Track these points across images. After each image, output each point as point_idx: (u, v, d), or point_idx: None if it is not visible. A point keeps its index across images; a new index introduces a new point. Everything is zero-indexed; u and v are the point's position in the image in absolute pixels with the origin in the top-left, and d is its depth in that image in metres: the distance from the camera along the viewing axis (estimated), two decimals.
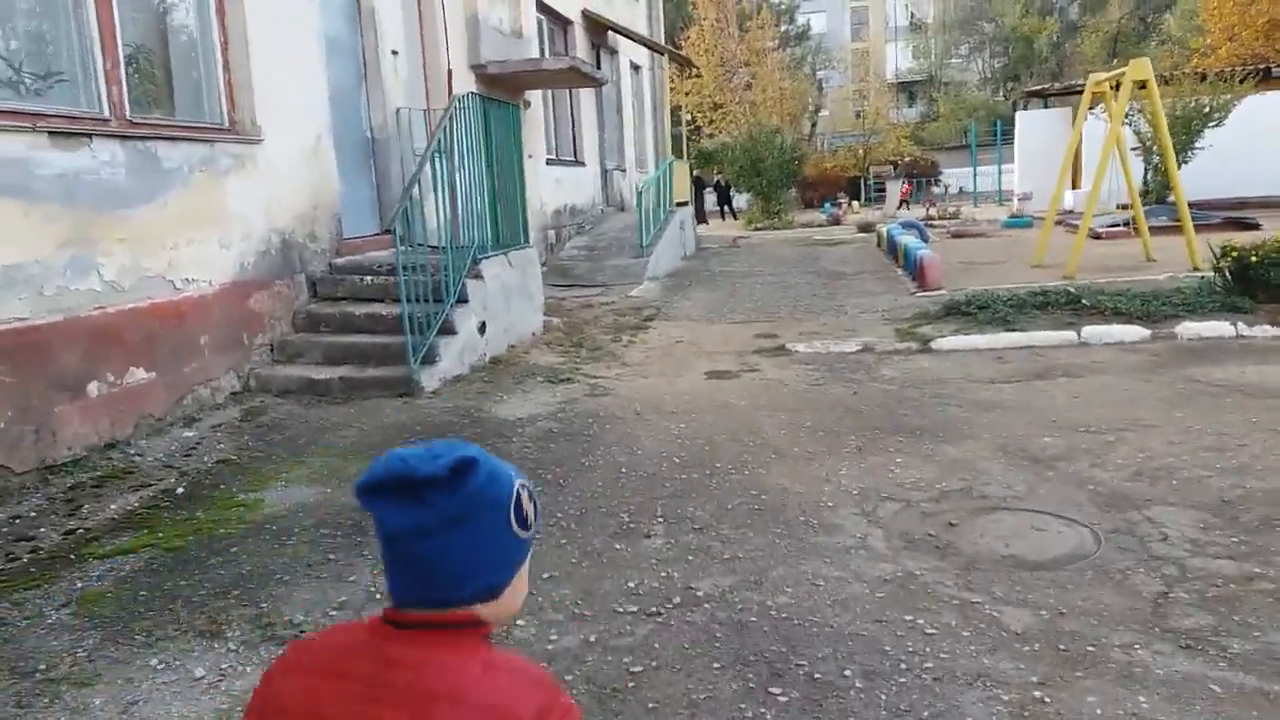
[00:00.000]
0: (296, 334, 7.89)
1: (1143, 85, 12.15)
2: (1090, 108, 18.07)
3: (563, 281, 14.20)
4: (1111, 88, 13.24)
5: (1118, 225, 17.01)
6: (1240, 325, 8.08)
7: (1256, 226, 16.98)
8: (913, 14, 63.76)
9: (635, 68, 22.62)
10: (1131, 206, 13.62)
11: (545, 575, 3.94)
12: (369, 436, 6.12)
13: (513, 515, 1.21)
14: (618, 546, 4.23)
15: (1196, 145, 20.46)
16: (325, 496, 5.05)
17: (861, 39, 66.78)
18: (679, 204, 18.54)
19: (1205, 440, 5.41)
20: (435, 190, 8.09)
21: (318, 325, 7.95)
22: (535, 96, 14.92)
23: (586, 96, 18.37)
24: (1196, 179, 20.75)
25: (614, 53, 20.54)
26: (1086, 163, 23.04)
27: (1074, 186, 26.01)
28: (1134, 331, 8.22)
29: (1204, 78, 21.09)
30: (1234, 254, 8.57)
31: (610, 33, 19.10)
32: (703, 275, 15.23)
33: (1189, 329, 8.13)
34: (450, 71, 11.19)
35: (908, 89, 61.77)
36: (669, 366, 8.27)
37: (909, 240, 14.33)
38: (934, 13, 61.00)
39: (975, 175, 35.41)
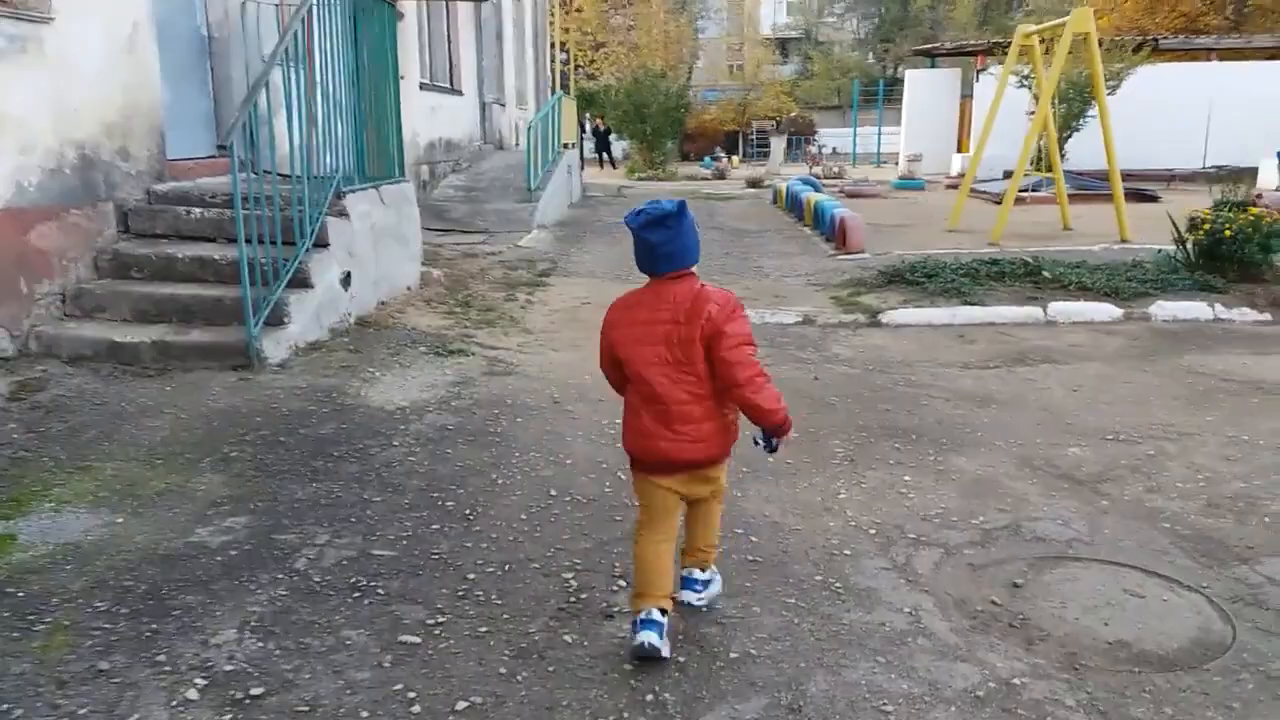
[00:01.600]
0: (98, 281, 6.02)
1: (1084, 38, 11.32)
2: (979, 71, 17.41)
3: (438, 225, 12.43)
4: (1042, 42, 12.39)
5: (1028, 190, 16.41)
6: (1218, 307, 7.26)
7: (1156, 199, 16.79)
8: None
9: None
10: (1052, 172, 12.89)
11: (461, 706, 2.49)
12: (187, 429, 4.46)
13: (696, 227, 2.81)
14: (566, 638, 2.81)
15: (1088, 114, 20.18)
16: (114, 533, 3.42)
17: None
18: (566, 145, 16.92)
19: (1265, 458, 4.41)
20: (289, 107, 6.30)
21: (127, 270, 6.09)
22: (408, 9, 12.95)
23: (465, 18, 16.43)
24: (1084, 149, 20.62)
25: None
26: (982, 123, 22.70)
27: (960, 150, 25.74)
28: (1105, 310, 7.30)
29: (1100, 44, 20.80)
30: (1205, 227, 7.75)
31: None
32: (595, 225, 13.74)
33: (1164, 309, 7.26)
34: None
35: (782, 45, 61.14)
36: (581, 336, 6.83)
37: (822, 198, 13.23)
38: None
39: (855, 135, 34.95)
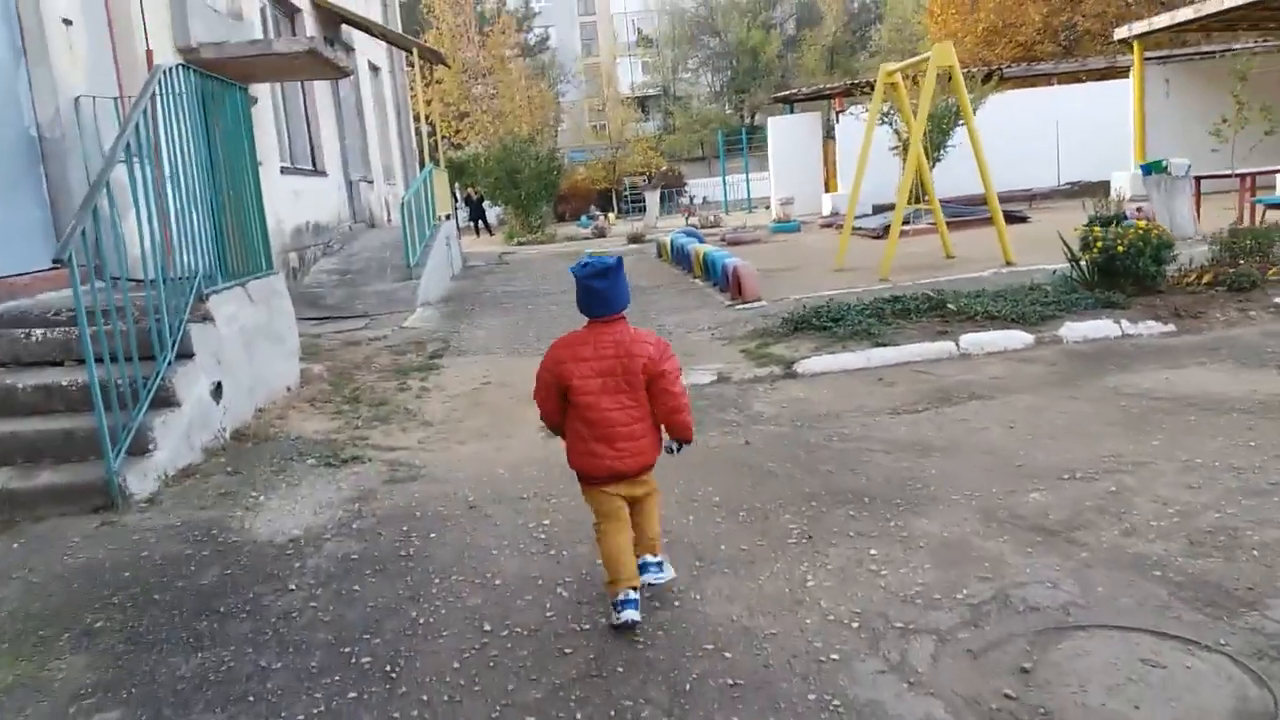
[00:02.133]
0: None
1: (949, 75, 11.54)
2: (839, 113, 17.81)
3: (314, 313, 11.71)
4: (905, 78, 12.62)
5: (906, 223, 16.68)
6: (1124, 324, 7.27)
7: (1025, 219, 17.34)
8: (639, 30, 64.52)
9: (374, 69, 20.19)
10: (930, 203, 13.07)
11: None
12: (40, 598, 3.74)
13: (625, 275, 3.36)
14: None
15: (949, 144, 20.89)
16: None
17: (593, 54, 66.98)
18: (443, 217, 16.41)
19: (1226, 480, 4.24)
20: (138, 204, 5.66)
21: None
22: (262, 92, 12.32)
23: (323, 96, 15.85)
24: (947, 178, 21.32)
25: (350, 50, 18.04)
26: (848, 163, 23.21)
27: (828, 189, 26.33)
28: (1016, 337, 7.21)
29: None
30: (1099, 245, 7.81)
31: (345, 25, 16.66)
32: (483, 296, 13.23)
33: (1073, 330, 7.23)
34: (150, 53, 8.53)
35: (642, 103, 62.29)
36: (488, 422, 6.31)
37: (709, 249, 13.07)
38: (662, 28, 62.06)
39: (725, 184, 35.50)
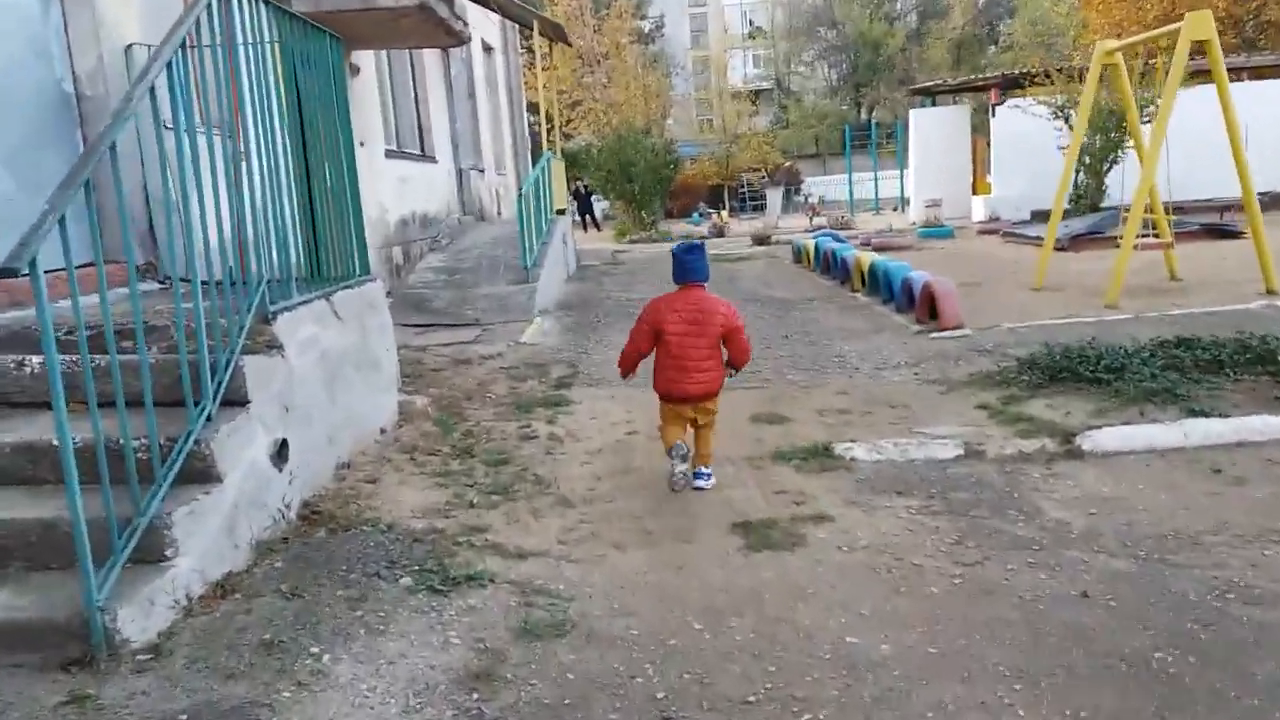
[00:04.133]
0: None
1: (1200, 50, 9.24)
2: (995, 105, 15.67)
3: (418, 320, 10.09)
4: (1135, 56, 10.31)
5: (1098, 234, 14.29)
6: None
7: (1237, 234, 14.70)
8: (751, 21, 62.21)
9: (487, 49, 18.66)
10: (1153, 211, 10.72)
11: None
12: None
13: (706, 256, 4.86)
14: None
15: (1127, 144, 18.24)
16: None
17: (701, 46, 65.01)
18: (559, 212, 14.71)
19: None
20: (205, 182, 3.96)
21: None
22: (365, 61, 10.76)
23: (433, 74, 14.30)
24: (1126, 182, 18.69)
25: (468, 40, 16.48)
26: (1008, 161, 20.70)
27: (975, 192, 23.80)
28: None
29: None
30: None
31: None
32: (606, 305, 11.42)
33: None
34: None
35: (753, 97, 60.13)
36: (649, 505, 4.48)
37: (878, 258, 10.99)
38: (776, 20, 59.69)
39: (850, 182, 33.08)
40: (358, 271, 5.55)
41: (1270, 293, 8.99)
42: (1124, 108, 10.70)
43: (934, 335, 8.21)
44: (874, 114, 55.47)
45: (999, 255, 14.79)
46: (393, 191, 11.48)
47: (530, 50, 26.15)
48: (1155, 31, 10.16)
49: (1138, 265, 11.63)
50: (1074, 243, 14.10)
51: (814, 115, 55.80)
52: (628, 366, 5.04)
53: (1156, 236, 10.45)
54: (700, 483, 4.71)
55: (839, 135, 54.58)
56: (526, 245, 11.09)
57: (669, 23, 58.69)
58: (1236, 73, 22.90)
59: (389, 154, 11.48)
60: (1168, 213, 12.37)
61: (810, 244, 14.71)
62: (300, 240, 4.95)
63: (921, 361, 7.28)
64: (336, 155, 5.46)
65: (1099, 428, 5.09)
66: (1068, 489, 4.46)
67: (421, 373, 7.45)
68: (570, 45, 20.72)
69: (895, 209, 32.66)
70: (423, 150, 13.48)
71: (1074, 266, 11.16)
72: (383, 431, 5.57)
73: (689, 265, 4.74)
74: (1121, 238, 9.84)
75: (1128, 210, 15.79)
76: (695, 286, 4.75)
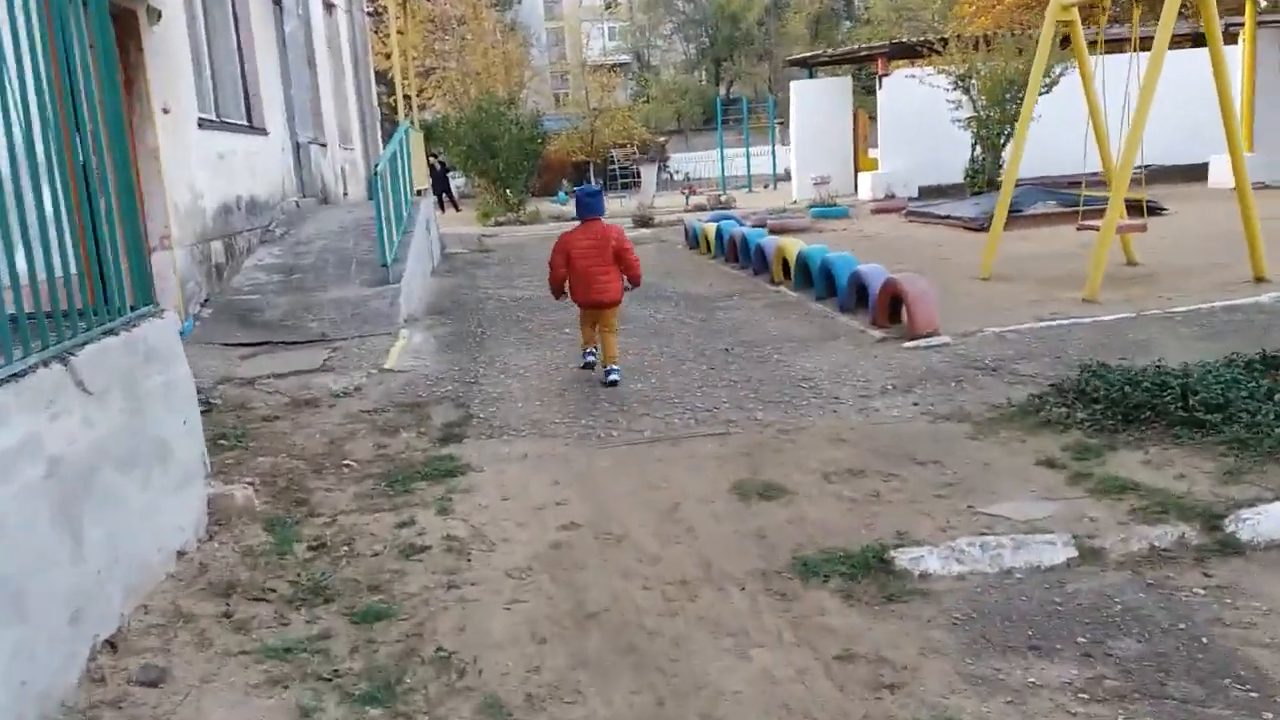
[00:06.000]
0: None
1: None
2: (881, 76, 14.51)
3: (243, 338, 7.86)
4: (1102, 7, 9.05)
5: (1019, 211, 13.13)
6: None
7: (1160, 210, 13.91)
8: None
9: (329, 6, 16.14)
10: (1111, 188, 9.53)
11: None
12: None
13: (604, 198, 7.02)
14: None
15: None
16: None
17: (555, 17, 62.80)
18: (418, 192, 12.54)
19: None
20: None
21: None
22: (172, 2, 8.40)
23: (264, 29, 11.85)
24: (1029, 156, 17.87)
25: None
26: (900, 135, 19.63)
27: (859, 168, 22.74)
28: None
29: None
30: None
31: None
32: (487, 308, 9.40)
33: None
34: None
35: (612, 70, 58.38)
36: (637, 702, 2.64)
37: (806, 246, 9.40)
38: None
39: (722, 158, 31.70)
40: (126, 304, 3.46)
41: (1260, 280, 7.88)
42: (1081, 74, 9.42)
43: (907, 345, 6.66)
44: (732, 88, 54.69)
45: (913, 237, 13.55)
46: (209, 170, 9.12)
47: (377, 12, 23.55)
48: None
49: (1079, 248, 10.56)
50: (988, 222, 12.92)
51: (675, 90, 54.57)
52: (556, 287, 6.41)
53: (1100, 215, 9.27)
54: (613, 377, 6.03)
55: (700, 110, 53.62)
56: (385, 236, 8.96)
57: None
58: (1120, 44, 22.69)
59: (204, 124, 9.11)
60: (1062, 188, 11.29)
61: (710, 228, 13.05)
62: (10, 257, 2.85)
63: (913, 385, 5.70)
64: (93, 121, 3.37)
65: (1250, 504, 3.57)
66: (1266, 620, 2.91)
67: (246, 428, 5.34)
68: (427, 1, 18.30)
69: (767, 186, 31.57)
70: (249, 120, 11.06)
71: (1008, 249, 9.95)
72: (181, 556, 3.53)
73: (589, 205, 6.29)
74: (1043, 214, 8.59)
75: (1064, 183, 14.79)
76: (594, 220, 6.25)
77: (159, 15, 8.02)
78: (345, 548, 3.72)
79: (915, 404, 5.36)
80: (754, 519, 3.87)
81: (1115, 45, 8.82)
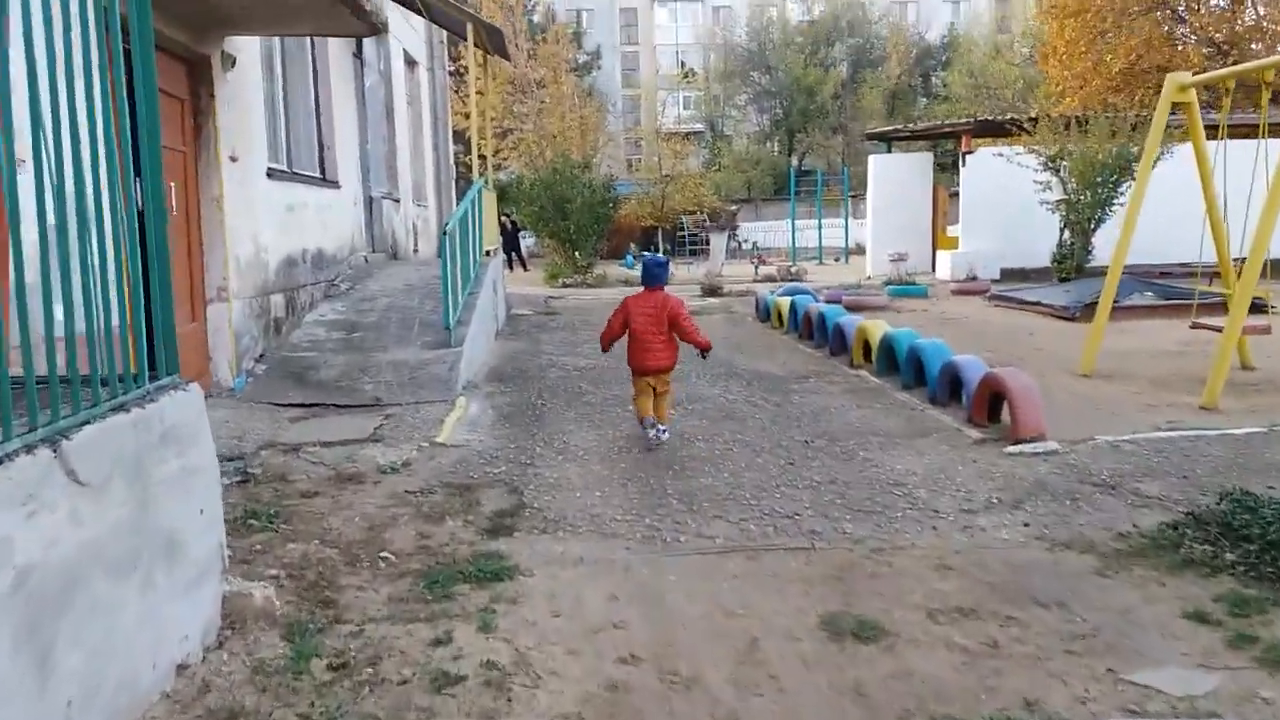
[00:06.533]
0: None
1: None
2: (965, 154, 13.91)
3: (296, 398, 7.51)
4: (1226, 94, 8.41)
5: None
6: None
7: (1265, 308, 13.00)
8: (684, 62, 61.16)
9: (410, 63, 16.26)
10: (1225, 280, 8.81)
11: None
12: None
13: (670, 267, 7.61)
14: None
15: (1118, 200, 16.69)
16: None
17: (632, 85, 63.75)
18: (488, 252, 12.27)
19: None
20: None
21: None
22: (246, 51, 8.27)
23: (343, 82, 11.81)
24: (1110, 244, 17.10)
25: (383, 32, 14.03)
26: (980, 213, 19.01)
27: (936, 247, 22.11)
28: None
29: (1083, 123, 17.17)
30: None
31: None
32: (550, 376, 8.96)
33: None
34: None
35: (684, 139, 58.80)
36: None
37: (892, 329, 8.79)
38: (711, 62, 58.77)
39: (794, 228, 31.32)
40: (137, 375, 3.03)
41: None
42: (1197, 156, 8.77)
43: (1010, 450, 6.00)
44: (805, 160, 54.58)
45: (999, 322, 12.85)
46: (276, 222, 8.92)
47: (459, 72, 23.82)
48: (1271, 60, 8.21)
49: (1184, 346, 9.80)
50: (1086, 312, 12.20)
51: (747, 160, 54.69)
52: (606, 342, 6.56)
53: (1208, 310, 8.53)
54: (663, 435, 6.23)
55: (771, 180, 53.52)
56: (450, 297, 8.61)
57: (601, 61, 57.01)
58: (1213, 130, 21.87)
59: (273, 174, 8.93)
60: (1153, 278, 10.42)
61: (784, 302, 12.54)
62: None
63: (1021, 500, 5.04)
64: (111, 156, 3.00)
65: None
66: None
67: (282, 504, 4.90)
68: (509, 59, 18.34)
69: (838, 259, 31.04)
70: (322, 173, 10.94)
71: (1106, 343, 9.22)
72: (182, 670, 3.04)
73: (654, 274, 6.39)
74: (1149, 305, 7.86)
75: (1156, 273, 13.88)
76: (657, 289, 6.35)
77: (233, 61, 7.88)
78: (370, 669, 3.20)
79: (1026, 524, 4.70)
80: (850, 667, 3.26)
81: (1220, 130, 8.10)
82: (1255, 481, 5.02)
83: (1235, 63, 23.65)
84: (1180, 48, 23.98)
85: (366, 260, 11.88)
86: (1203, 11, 24.38)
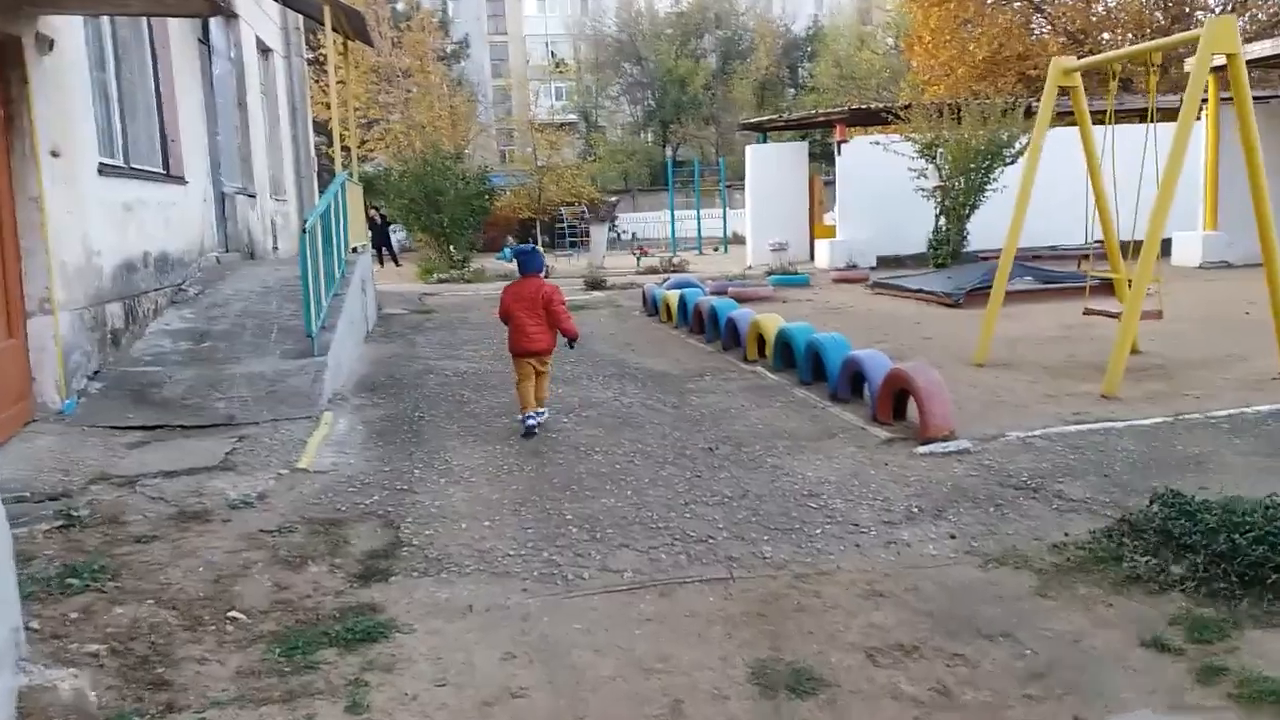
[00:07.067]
0: None
1: (1220, 67, 7.31)
2: (839, 143, 13.90)
3: (134, 418, 6.64)
4: (1112, 73, 8.36)
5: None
6: None
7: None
8: (554, 53, 60.51)
9: (265, 50, 15.13)
10: (1113, 265, 8.82)
11: None
12: None
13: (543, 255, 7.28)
14: None
15: (990, 186, 16.96)
16: None
17: (502, 75, 62.75)
18: (355, 249, 11.42)
19: None
20: None
21: None
22: (70, 32, 7.29)
23: (187, 70, 10.79)
24: (987, 228, 17.39)
25: (232, 17, 12.97)
26: (857, 202, 19.09)
27: (814, 236, 22.15)
28: None
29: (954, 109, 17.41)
30: None
31: None
32: (428, 384, 8.26)
33: None
34: None
35: (558, 129, 58.05)
36: None
37: (803, 329, 8.43)
38: (581, 52, 58.26)
39: (673, 219, 31.06)
40: None
41: None
42: (1084, 142, 8.73)
43: (921, 450, 5.71)
44: (679, 150, 54.68)
45: (884, 311, 12.77)
46: (110, 223, 7.93)
47: (318, 61, 22.50)
48: (1159, 42, 8.20)
49: (1068, 330, 9.85)
50: (969, 298, 12.24)
51: (622, 150, 54.41)
52: (503, 318, 6.82)
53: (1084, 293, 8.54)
54: (530, 422, 6.45)
55: (648, 171, 53.39)
56: (312, 300, 7.81)
57: (470, 54, 55.63)
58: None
59: (106, 170, 7.92)
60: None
61: (673, 296, 12.13)
62: None
63: (943, 508, 4.73)
64: None
65: None
66: None
67: (111, 554, 4.14)
68: (371, 45, 17.33)
69: (717, 248, 30.99)
70: (166, 168, 9.90)
71: (995, 331, 9.15)
72: None
73: (527, 262, 6.78)
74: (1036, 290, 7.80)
75: (1029, 256, 14.02)
76: (533, 276, 6.71)
77: (50, 44, 6.89)
78: None
79: (952, 536, 4.38)
80: None
81: (1108, 115, 8.08)
82: (1174, 478, 4.84)
83: (1091, 51, 24.55)
84: (1038, 36, 24.77)
85: (219, 261, 10.87)
86: (1059, 3, 25.26)
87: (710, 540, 4.35)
